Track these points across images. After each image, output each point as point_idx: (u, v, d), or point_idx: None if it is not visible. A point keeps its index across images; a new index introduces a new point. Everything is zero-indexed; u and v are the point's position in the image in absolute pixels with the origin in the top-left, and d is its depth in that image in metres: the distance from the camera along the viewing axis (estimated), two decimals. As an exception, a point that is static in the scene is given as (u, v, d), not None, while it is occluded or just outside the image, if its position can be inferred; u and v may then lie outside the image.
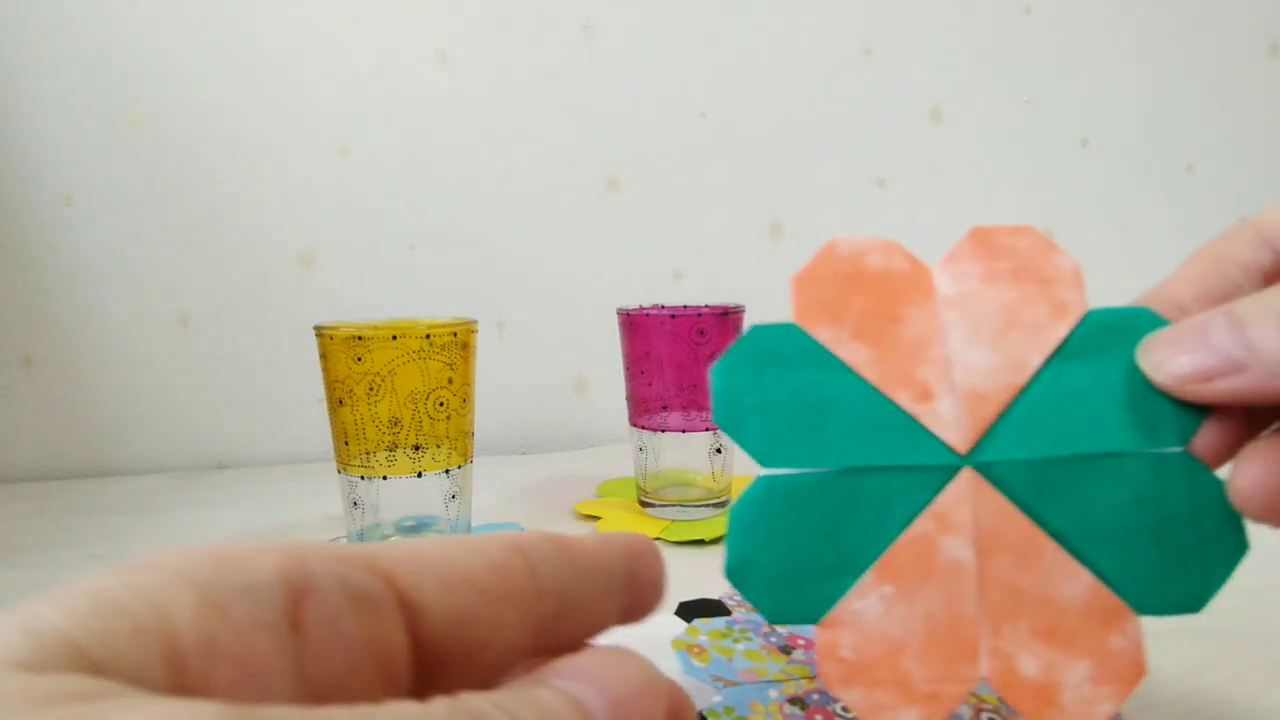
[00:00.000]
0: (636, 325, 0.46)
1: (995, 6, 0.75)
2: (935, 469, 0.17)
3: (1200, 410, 0.17)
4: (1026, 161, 0.78)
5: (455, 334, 0.38)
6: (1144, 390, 0.17)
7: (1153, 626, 0.31)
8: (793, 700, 0.25)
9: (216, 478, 0.61)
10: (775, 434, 0.18)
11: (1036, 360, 0.17)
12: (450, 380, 0.38)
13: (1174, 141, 0.80)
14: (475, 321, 0.40)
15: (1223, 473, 0.17)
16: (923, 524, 0.17)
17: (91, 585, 0.11)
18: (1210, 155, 0.81)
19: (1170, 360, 0.17)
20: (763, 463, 0.18)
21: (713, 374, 0.18)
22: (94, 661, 0.10)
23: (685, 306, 0.47)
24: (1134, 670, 0.16)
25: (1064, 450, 0.17)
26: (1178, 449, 0.17)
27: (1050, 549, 0.17)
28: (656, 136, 0.70)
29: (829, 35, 0.72)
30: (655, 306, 0.48)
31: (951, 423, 0.17)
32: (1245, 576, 0.36)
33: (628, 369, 0.47)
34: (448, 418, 0.39)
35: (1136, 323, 0.18)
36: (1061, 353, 0.18)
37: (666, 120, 0.70)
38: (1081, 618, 0.17)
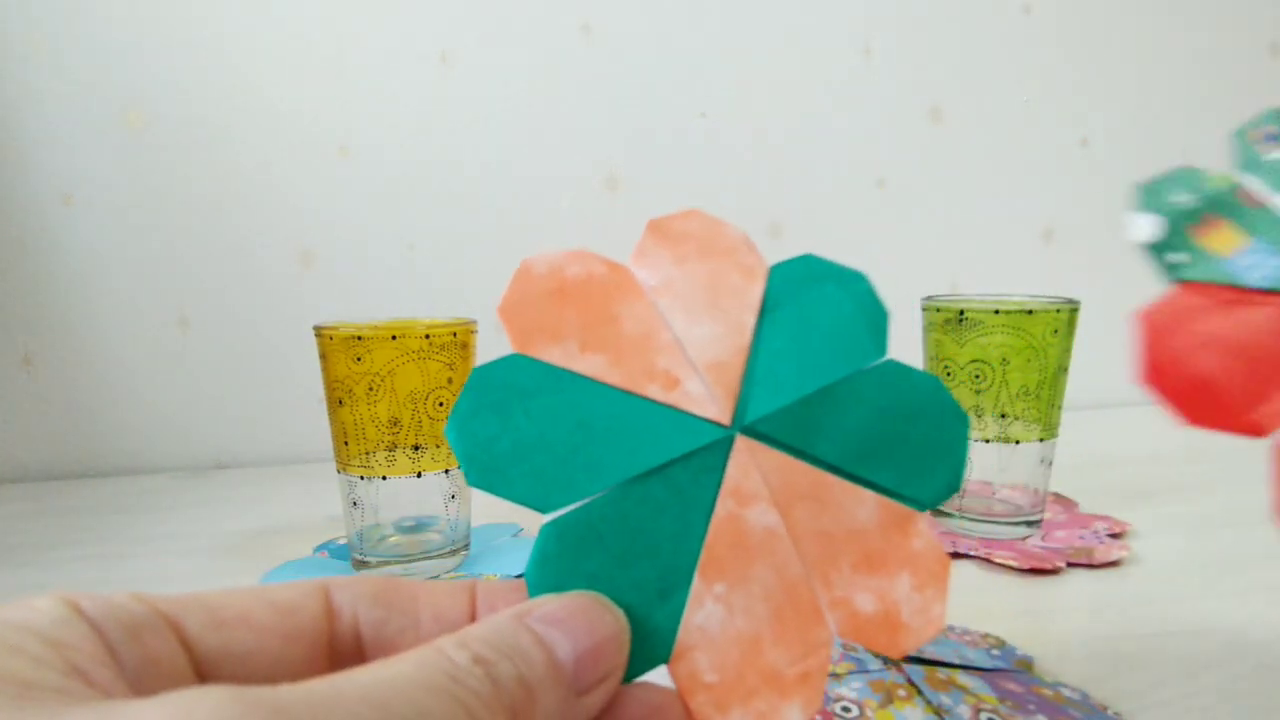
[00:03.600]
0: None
1: (995, 6, 0.75)
2: (710, 447, 0.17)
3: (883, 325, 0.19)
4: (1026, 161, 0.77)
5: (455, 334, 0.38)
6: (841, 320, 0.19)
7: (1152, 626, 0.31)
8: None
9: (216, 478, 0.61)
10: (544, 472, 0.17)
11: (750, 319, 0.19)
12: (450, 380, 0.38)
13: (1174, 141, 0.80)
14: (475, 321, 0.40)
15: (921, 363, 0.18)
16: (723, 506, 0.17)
17: None
18: (1210, 155, 0.81)
19: None
20: (542, 509, 0.16)
21: (448, 433, 0.17)
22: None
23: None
24: (941, 563, 0.18)
25: (806, 388, 0.18)
26: (883, 359, 0.19)
27: (833, 483, 0.18)
28: (656, 136, 0.70)
29: (829, 35, 0.72)
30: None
31: (706, 399, 0.18)
32: (1245, 576, 0.36)
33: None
34: (447, 418, 0.39)
35: (811, 268, 0.19)
36: (766, 308, 0.19)
37: (666, 120, 0.70)
38: (883, 535, 0.18)
